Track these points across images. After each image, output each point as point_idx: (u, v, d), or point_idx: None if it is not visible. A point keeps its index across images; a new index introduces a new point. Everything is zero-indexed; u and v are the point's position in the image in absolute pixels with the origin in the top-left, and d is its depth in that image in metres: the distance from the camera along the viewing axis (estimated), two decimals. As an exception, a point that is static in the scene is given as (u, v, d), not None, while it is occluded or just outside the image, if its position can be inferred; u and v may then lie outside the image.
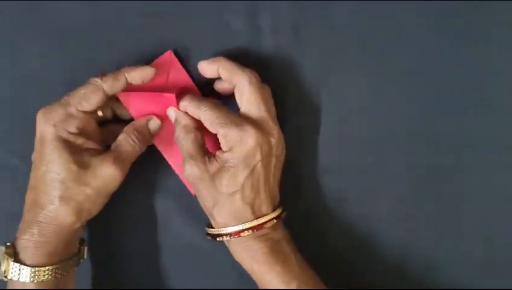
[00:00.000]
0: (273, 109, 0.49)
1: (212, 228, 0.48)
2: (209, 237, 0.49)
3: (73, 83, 0.51)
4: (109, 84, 0.46)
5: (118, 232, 0.53)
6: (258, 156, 0.46)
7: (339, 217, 0.54)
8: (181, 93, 0.50)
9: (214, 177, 0.46)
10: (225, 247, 0.53)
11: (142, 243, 0.54)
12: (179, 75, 0.52)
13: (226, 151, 0.46)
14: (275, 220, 0.47)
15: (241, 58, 0.53)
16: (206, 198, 0.47)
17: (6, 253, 0.44)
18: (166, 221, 0.54)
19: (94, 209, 0.47)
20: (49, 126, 0.45)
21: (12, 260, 0.44)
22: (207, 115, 0.47)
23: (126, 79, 0.47)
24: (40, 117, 0.46)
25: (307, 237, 0.52)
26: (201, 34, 0.53)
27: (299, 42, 0.53)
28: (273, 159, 0.47)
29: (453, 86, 0.53)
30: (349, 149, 0.54)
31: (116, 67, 0.49)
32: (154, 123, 0.50)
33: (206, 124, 0.47)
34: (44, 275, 0.44)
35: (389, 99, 0.53)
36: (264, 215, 0.47)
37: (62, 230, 0.45)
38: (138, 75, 0.47)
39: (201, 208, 0.53)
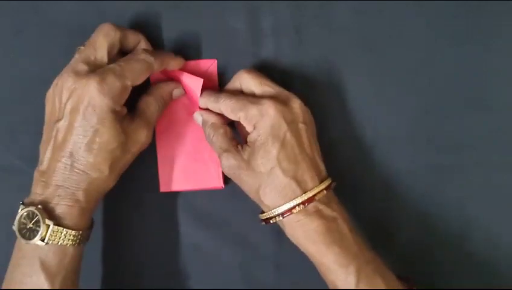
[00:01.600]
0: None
1: (264, 213, 0.47)
2: (263, 223, 0.47)
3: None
4: (158, 65, 0.48)
5: (123, 232, 0.53)
6: (284, 125, 0.45)
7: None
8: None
9: (249, 161, 0.46)
10: (226, 247, 0.54)
11: (146, 243, 0.54)
12: (210, 82, 0.53)
13: (252, 132, 0.46)
14: (324, 191, 0.45)
15: (241, 58, 0.53)
16: (249, 185, 0.47)
17: (47, 217, 0.43)
18: (171, 221, 0.54)
19: (124, 169, 0.48)
20: (107, 99, 0.44)
21: (53, 223, 0.43)
22: (225, 105, 0.47)
23: (169, 65, 0.49)
24: (95, 87, 0.44)
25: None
26: (202, 34, 0.53)
27: (300, 42, 0.53)
28: (302, 126, 0.47)
29: (453, 86, 0.53)
30: (350, 149, 0.54)
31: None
32: (178, 91, 0.51)
33: (227, 114, 0.48)
34: (77, 238, 0.45)
35: (390, 99, 0.53)
36: (312, 188, 0.45)
37: (102, 195, 0.47)
38: (176, 64, 0.50)
39: (205, 208, 0.54)
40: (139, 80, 0.47)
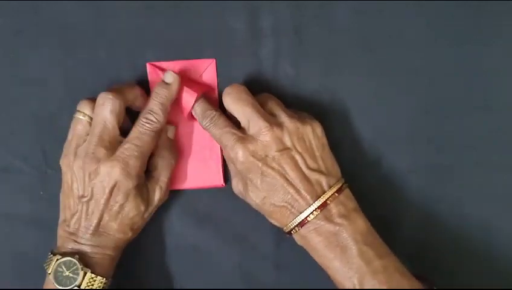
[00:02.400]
0: (272, 105, 0.49)
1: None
2: (286, 235, 0.49)
3: (76, 84, 0.52)
4: (164, 122, 0.50)
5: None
6: (257, 163, 0.47)
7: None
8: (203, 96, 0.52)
9: (246, 193, 0.49)
10: (226, 247, 0.54)
11: (142, 244, 0.54)
12: (209, 82, 0.53)
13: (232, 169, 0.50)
14: (320, 210, 0.46)
15: (241, 58, 0.53)
16: (257, 209, 0.50)
17: (84, 265, 0.47)
18: (169, 222, 0.54)
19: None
20: (131, 180, 0.48)
21: (89, 271, 0.47)
22: (208, 130, 0.50)
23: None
24: (120, 173, 0.47)
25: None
26: (201, 33, 0.53)
27: (299, 42, 0.53)
28: (281, 155, 0.47)
29: (453, 86, 0.53)
30: (350, 149, 0.54)
31: (115, 68, 0.50)
32: (171, 131, 0.52)
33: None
34: (106, 285, 0.49)
35: (390, 99, 0.53)
36: (305, 209, 0.47)
37: (123, 248, 0.51)
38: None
39: (204, 208, 0.54)
40: (153, 147, 0.50)
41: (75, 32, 0.53)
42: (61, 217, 0.50)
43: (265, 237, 0.53)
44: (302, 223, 0.47)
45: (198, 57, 0.53)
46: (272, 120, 0.48)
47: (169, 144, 0.52)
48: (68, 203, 0.49)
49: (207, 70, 0.53)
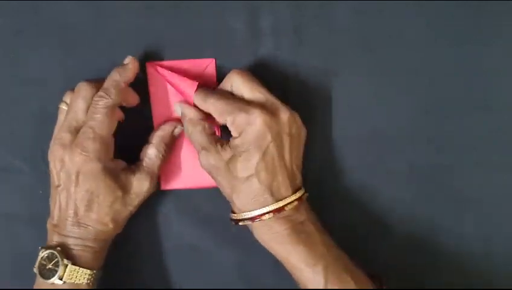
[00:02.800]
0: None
1: (235, 213, 0.48)
2: (232, 223, 0.49)
3: (73, 83, 0.51)
4: (117, 99, 0.48)
5: (120, 232, 0.53)
6: (269, 137, 0.46)
7: (338, 216, 0.54)
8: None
9: (228, 164, 0.47)
10: (225, 247, 0.54)
11: (141, 243, 0.54)
12: (209, 82, 0.53)
13: (236, 137, 0.47)
14: (296, 202, 0.47)
15: (241, 58, 0.53)
16: (224, 185, 0.48)
17: (65, 257, 0.47)
18: (166, 221, 0.54)
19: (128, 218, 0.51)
20: (94, 163, 0.47)
21: (70, 263, 0.47)
22: (214, 106, 0.48)
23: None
24: (79, 157, 0.47)
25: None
26: (201, 33, 0.53)
27: (299, 42, 0.53)
28: (287, 138, 0.47)
29: (453, 86, 0.53)
30: (350, 149, 0.54)
31: (113, 68, 0.50)
32: (178, 131, 0.52)
33: (215, 116, 0.48)
34: (92, 277, 0.48)
35: (390, 99, 0.53)
36: (284, 197, 0.46)
37: (111, 239, 0.51)
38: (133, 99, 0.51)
39: (201, 208, 0.53)
40: (114, 124, 0.48)
41: (75, 32, 0.53)
42: (50, 210, 0.50)
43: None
44: (276, 211, 0.46)
45: (198, 56, 0.53)
46: (284, 104, 0.48)
47: (171, 140, 0.52)
48: (52, 194, 0.49)
49: (206, 70, 0.53)
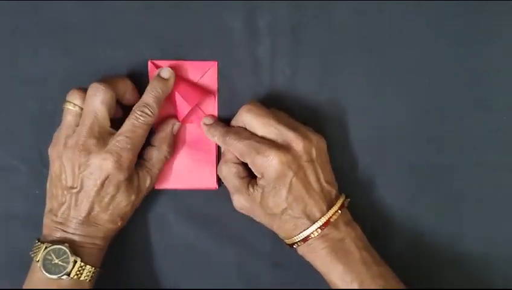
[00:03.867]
0: (288, 119, 0.50)
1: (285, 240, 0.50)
2: (287, 246, 0.50)
3: (73, 84, 0.52)
4: (156, 116, 0.49)
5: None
6: (290, 173, 0.47)
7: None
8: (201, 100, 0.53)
9: (261, 203, 0.49)
10: (223, 247, 0.54)
11: (139, 243, 0.54)
12: (210, 84, 0.53)
13: (260, 178, 0.48)
14: (334, 216, 0.48)
15: (239, 58, 0.53)
16: (263, 221, 0.50)
17: (75, 254, 0.47)
18: (166, 222, 0.54)
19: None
20: (123, 173, 0.48)
21: (80, 260, 0.47)
22: (232, 147, 0.49)
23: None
24: (112, 165, 0.47)
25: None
26: (200, 33, 0.53)
27: (297, 42, 0.53)
28: (308, 165, 0.48)
29: (453, 86, 0.53)
30: (349, 149, 0.54)
31: (114, 67, 0.50)
32: (176, 127, 0.52)
33: (236, 155, 0.49)
34: (94, 274, 0.49)
35: (389, 99, 0.53)
36: (320, 218, 0.48)
37: (112, 237, 0.51)
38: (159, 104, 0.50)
39: (200, 208, 0.53)
40: (145, 139, 0.50)
41: (74, 32, 0.53)
42: (48, 206, 0.50)
43: (262, 237, 0.53)
44: (317, 231, 0.47)
45: (196, 55, 0.53)
46: (297, 131, 0.48)
47: (171, 139, 0.52)
48: (56, 193, 0.49)
49: (208, 72, 0.53)
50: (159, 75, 0.50)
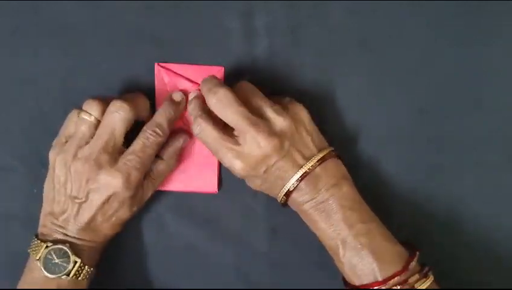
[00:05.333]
0: (260, 105, 0.48)
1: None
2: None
3: (72, 84, 0.52)
4: (166, 136, 0.50)
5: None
6: (257, 176, 0.48)
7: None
8: None
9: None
10: (222, 248, 0.54)
11: (138, 244, 0.54)
12: None
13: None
14: (309, 171, 0.47)
15: (236, 58, 0.53)
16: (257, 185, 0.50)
17: (75, 255, 0.48)
18: (163, 222, 0.54)
19: None
20: (131, 191, 0.48)
21: (80, 260, 0.48)
22: (203, 142, 0.49)
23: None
24: (120, 183, 0.47)
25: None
26: (198, 34, 0.53)
27: (294, 42, 0.53)
28: (286, 156, 0.47)
29: (452, 86, 0.53)
30: (348, 149, 0.54)
31: (113, 67, 0.50)
32: (186, 142, 0.53)
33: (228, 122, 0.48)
34: (91, 274, 0.49)
35: (388, 99, 0.53)
36: (296, 172, 0.48)
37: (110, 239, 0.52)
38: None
39: (199, 208, 0.53)
40: (154, 157, 0.50)
41: (74, 32, 0.53)
42: (47, 208, 0.50)
43: (260, 237, 0.53)
44: (293, 190, 0.48)
45: (194, 56, 0.53)
46: (264, 126, 0.46)
47: (178, 153, 0.52)
48: (58, 199, 0.49)
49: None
50: (171, 98, 0.51)
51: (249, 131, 0.46)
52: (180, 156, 0.53)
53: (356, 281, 0.47)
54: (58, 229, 0.49)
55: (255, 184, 0.49)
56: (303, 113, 0.49)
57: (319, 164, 0.48)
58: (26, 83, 0.53)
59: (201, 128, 0.48)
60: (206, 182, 0.53)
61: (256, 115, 0.47)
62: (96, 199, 0.48)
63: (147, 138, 0.49)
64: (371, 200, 0.53)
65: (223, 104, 0.47)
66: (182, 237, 0.54)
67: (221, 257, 0.54)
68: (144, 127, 0.49)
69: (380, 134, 0.54)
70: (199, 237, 0.54)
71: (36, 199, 0.51)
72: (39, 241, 0.48)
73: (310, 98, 0.53)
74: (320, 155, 0.48)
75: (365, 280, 0.46)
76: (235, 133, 0.47)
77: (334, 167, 0.49)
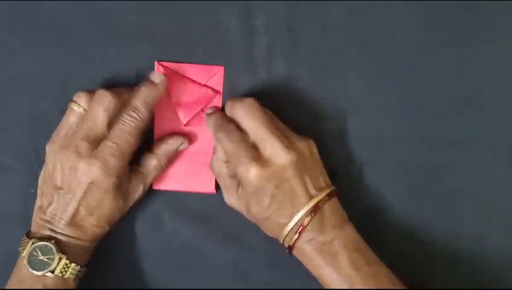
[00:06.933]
0: (279, 126, 0.49)
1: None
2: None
3: (69, 83, 0.52)
4: (147, 121, 0.49)
5: (111, 232, 0.53)
6: (270, 186, 0.47)
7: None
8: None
9: (247, 206, 0.49)
10: (219, 247, 0.54)
11: (135, 243, 0.54)
12: (215, 88, 0.53)
13: (243, 185, 0.49)
14: (305, 223, 0.47)
15: (235, 57, 0.53)
16: (254, 222, 0.50)
17: (61, 252, 0.47)
18: (161, 221, 0.54)
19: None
20: (110, 178, 0.48)
21: (65, 257, 0.47)
22: (222, 146, 0.49)
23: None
24: (98, 171, 0.47)
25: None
26: (196, 33, 0.53)
27: (293, 41, 0.53)
28: (294, 176, 0.47)
29: (449, 86, 0.53)
30: (346, 149, 0.54)
31: (110, 66, 0.51)
32: (183, 147, 0.52)
33: (224, 152, 0.49)
34: (80, 273, 0.49)
35: (385, 98, 0.54)
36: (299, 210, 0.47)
37: (100, 239, 0.51)
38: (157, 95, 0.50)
39: (196, 207, 0.54)
40: (138, 143, 0.49)
41: (71, 31, 0.53)
42: (38, 203, 0.50)
43: (258, 236, 0.53)
44: (296, 230, 0.47)
45: (193, 55, 0.53)
46: (286, 142, 0.47)
47: (171, 154, 0.52)
48: (46, 191, 0.49)
49: (214, 77, 0.53)
50: (149, 79, 0.50)
51: (269, 139, 0.47)
52: (178, 156, 0.53)
53: None
54: (46, 224, 0.49)
55: (261, 206, 0.48)
56: (314, 148, 0.50)
57: (328, 200, 0.48)
58: (25, 83, 0.53)
59: (229, 129, 0.48)
60: (205, 183, 0.53)
61: None
62: (77, 189, 0.48)
63: (124, 122, 0.48)
64: (368, 199, 0.54)
65: (249, 110, 0.48)
66: (179, 236, 0.54)
67: (220, 256, 0.54)
68: (122, 112, 0.49)
69: (376, 133, 0.54)
70: (197, 237, 0.54)
71: (33, 199, 0.51)
72: (27, 239, 0.48)
73: (308, 97, 0.53)
74: (329, 190, 0.48)
75: None
76: (255, 142, 0.48)
77: (338, 206, 0.49)
